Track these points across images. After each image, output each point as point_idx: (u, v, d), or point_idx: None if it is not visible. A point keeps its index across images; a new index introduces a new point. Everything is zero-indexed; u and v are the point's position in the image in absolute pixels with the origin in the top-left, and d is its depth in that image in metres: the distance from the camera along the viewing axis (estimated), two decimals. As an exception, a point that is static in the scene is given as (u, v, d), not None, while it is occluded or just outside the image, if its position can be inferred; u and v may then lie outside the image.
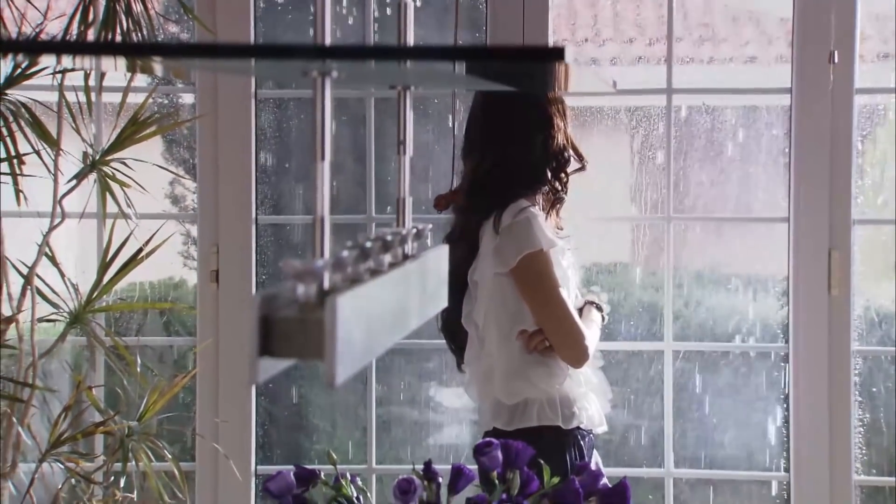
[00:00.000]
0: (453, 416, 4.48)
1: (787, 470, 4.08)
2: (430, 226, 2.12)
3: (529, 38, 4.06)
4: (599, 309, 3.59)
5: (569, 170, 3.54)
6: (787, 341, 4.06)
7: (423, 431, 4.51)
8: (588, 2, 4.58)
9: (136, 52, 1.49)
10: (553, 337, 3.42)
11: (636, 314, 4.39)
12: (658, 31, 4.33)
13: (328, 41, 1.52)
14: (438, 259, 2.11)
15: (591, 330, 3.49)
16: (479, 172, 3.51)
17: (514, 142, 3.48)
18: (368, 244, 1.74)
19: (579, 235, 3.80)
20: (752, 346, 4.34)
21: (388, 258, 1.86)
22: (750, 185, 4.41)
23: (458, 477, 2.49)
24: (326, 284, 1.52)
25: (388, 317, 1.65)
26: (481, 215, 3.48)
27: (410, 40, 1.88)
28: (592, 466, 3.41)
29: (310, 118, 4.32)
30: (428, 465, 2.50)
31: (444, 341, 3.81)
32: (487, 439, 2.53)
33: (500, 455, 2.51)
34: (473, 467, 2.52)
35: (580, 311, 3.54)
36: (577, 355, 3.44)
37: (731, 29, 4.51)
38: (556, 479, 2.50)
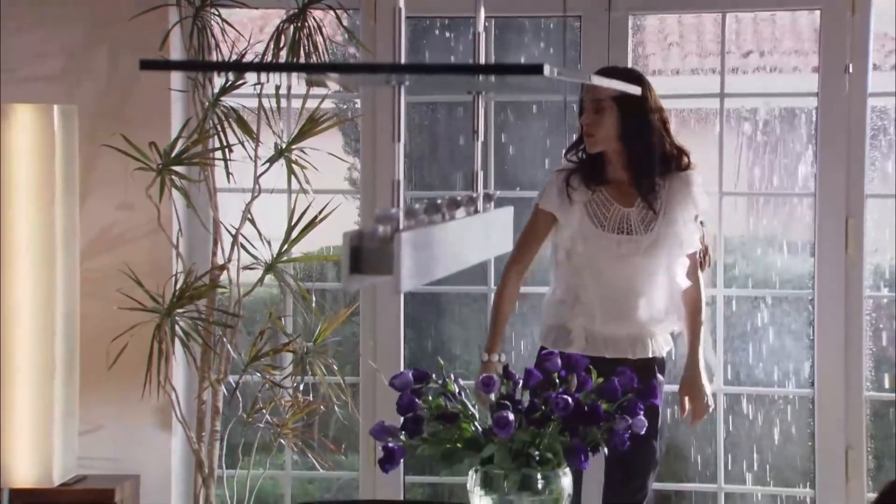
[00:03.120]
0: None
1: (812, 386, 4.14)
2: (498, 192, 2.34)
3: (613, 55, 4.09)
4: None
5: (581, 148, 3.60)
6: (813, 288, 4.13)
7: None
8: (661, 27, 4.66)
9: (275, 69, 1.76)
10: None
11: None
12: (716, 48, 4.42)
13: (403, 59, 1.77)
14: (503, 216, 2.32)
15: None
16: None
17: None
18: (439, 201, 1.98)
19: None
20: (787, 292, 4.38)
21: (460, 212, 2.09)
22: (786, 167, 4.48)
23: (529, 377, 2.62)
24: (401, 226, 1.76)
25: (448, 251, 1.88)
26: None
27: (483, 60, 2.10)
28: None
29: (447, 116, 4.54)
30: (506, 368, 2.67)
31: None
32: (548, 350, 2.73)
33: (559, 361, 2.70)
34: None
35: None
36: None
37: (775, 44, 4.58)
38: (601, 380, 2.69)
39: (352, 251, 1.67)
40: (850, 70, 4.01)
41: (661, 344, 3.59)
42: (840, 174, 4.06)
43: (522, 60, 4.40)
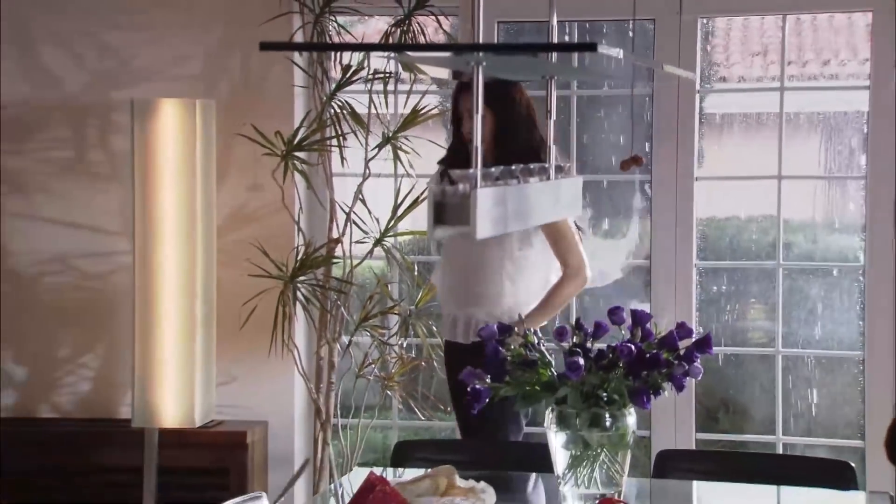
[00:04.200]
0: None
1: (863, 349, 4.11)
2: (570, 164, 2.41)
3: (684, 56, 4.09)
4: None
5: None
6: (864, 262, 4.10)
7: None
8: (744, 38, 4.63)
9: (371, 49, 1.86)
10: None
11: (764, 247, 4.42)
12: (794, 56, 4.40)
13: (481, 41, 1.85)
14: (574, 184, 2.40)
15: None
16: None
17: None
18: (513, 168, 2.06)
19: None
20: (840, 264, 4.34)
21: (534, 179, 2.17)
22: (840, 153, 4.45)
23: (598, 328, 2.65)
24: (478, 185, 1.85)
25: (519, 208, 1.96)
26: None
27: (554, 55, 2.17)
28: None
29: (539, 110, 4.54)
30: (578, 320, 2.69)
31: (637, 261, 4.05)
32: (616, 305, 2.77)
33: (624, 315, 2.76)
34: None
35: None
36: None
37: (836, 52, 4.54)
38: (663, 333, 2.74)
39: (435, 205, 1.77)
40: (898, 65, 4.01)
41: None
42: (889, 159, 4.02)
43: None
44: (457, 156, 3.53)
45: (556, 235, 3.51)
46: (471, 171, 1.81)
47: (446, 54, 1.78)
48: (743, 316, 4.51)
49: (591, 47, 1.56)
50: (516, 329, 3.12)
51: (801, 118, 4.39)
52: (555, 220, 3.45)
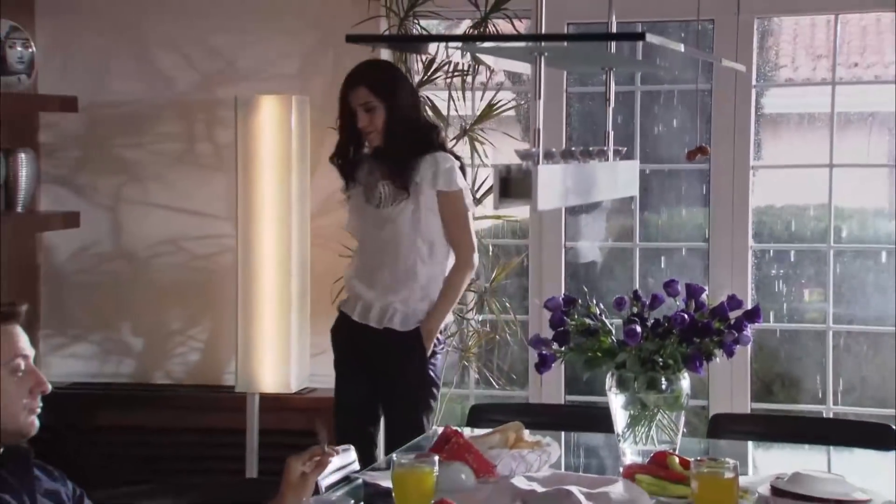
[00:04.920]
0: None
1: None
2: (626, 148, 2.48)
3: (741, 54, 4.06)
4: None
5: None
6: None
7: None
8: (811, 43, 4.62)
9: (443, 40, 1.96)
10: None
11: (818, 232, 4.42)
12: (860, 59, 4.39)
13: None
14: (630, 166, 2.47)
15: None
16: None
17: None
18: (573, 149, 2.15)
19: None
20: (887, 246, 4.30)
21: (594, 160, 2.25)
22: (889, 143, 4.44)
23: (655, 300, 2.72)
24: (540, 162, 1.93)
25: (578, 185, 2.04)
26: None
27: (613, 49, 2.24)
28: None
29: (600, 107, 4.59)
30: (636, 292, 2.76)
31: (696, 244, 4.02)
32: (671, 279, 2.83)
33: (679, 288, 2.82)
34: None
35: None
36: None
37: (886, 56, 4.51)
38: (713, 304, 2.79)
39: (501, 181, 1.86)
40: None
41: (415, 321, 3.36)
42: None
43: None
44: (347, 151, 3.45)
45: (451, 212, 3.32)
46: (533, 149, 1.89)
47: (513, 44, 1.87)
48: (798, 296, 4.52)
49: (641, 37, 1.65)
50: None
51: (853, 115, 4.37)
52: (448, 190, 3.30)
